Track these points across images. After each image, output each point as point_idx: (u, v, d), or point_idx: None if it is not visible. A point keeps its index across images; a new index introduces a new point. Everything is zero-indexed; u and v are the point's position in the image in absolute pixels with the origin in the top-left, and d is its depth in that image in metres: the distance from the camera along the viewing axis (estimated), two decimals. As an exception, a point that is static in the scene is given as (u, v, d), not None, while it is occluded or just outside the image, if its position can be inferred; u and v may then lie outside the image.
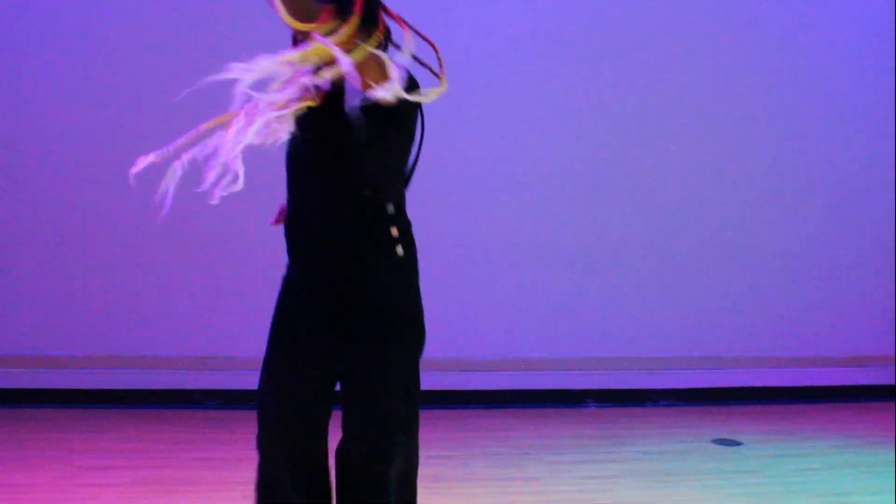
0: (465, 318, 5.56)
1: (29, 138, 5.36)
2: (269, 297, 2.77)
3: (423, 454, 4.89)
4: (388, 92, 2.43)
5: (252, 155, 2.44)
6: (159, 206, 2.37)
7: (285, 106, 2.42)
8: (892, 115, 5.94)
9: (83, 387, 5.39)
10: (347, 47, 2.44)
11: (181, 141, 2.44)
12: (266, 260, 3.23)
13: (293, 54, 2.44)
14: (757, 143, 5.87)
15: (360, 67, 2.45)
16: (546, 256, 5.69)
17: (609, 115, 5.70)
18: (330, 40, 2.40)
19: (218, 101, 2.44)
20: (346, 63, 2.39)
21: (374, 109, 2.51)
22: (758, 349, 5.88)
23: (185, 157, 2.42)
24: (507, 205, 5.65)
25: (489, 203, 5.63)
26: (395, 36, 2.62)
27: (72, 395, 5.37)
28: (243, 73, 2.37)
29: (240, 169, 2.40)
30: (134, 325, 5.38)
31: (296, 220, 2.70)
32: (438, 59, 2.66)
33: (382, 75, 2.48)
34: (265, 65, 2.40)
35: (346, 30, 2.44)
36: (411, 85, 2.60)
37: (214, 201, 2.40)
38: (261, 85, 2.43)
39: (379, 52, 2.50)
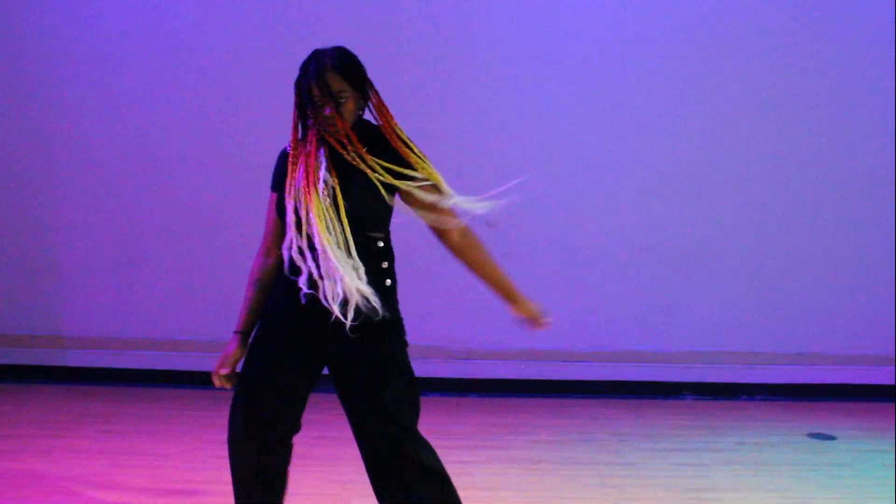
0: (569, 311, 5.64)
1: (166, 141, 5.72)
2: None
3: (527, 438, 5.15)
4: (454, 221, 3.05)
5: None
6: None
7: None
8: None
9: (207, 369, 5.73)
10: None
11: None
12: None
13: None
14: (866, 140, 5.73)
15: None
16: (646, 254, 5.75)
17: (708, 115, 5.70)
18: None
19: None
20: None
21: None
22: (856, 347, 5.80)
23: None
24: (608, 204, 5.73)
25: (590, 203, 5.72)
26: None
27: (199, 377, 5.72)
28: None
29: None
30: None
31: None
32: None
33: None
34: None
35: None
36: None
37: None
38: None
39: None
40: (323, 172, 2.96)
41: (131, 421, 5.14)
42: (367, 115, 3.12)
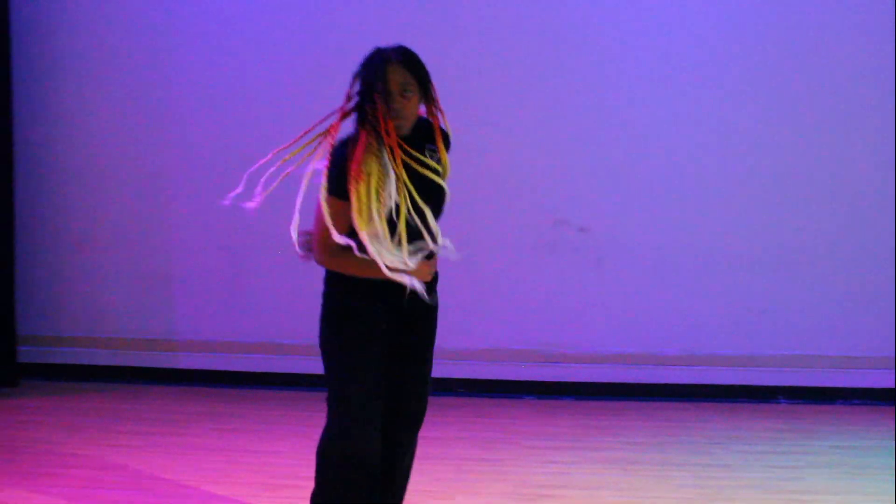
0: (661, 315, 5.74)
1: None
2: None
3: (621, 440, 5.22)
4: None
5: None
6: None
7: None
8: None
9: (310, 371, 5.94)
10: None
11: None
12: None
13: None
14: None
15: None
16: (739, 257, 5.77)
17: (805, 120, 5.72)
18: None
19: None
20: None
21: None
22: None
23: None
24: (699, 208, 5.77)
25: (681, 206, 5.77)
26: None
27: (305, 379, 5.89)
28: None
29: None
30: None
31: None
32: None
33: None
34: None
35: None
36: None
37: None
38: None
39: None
40: (386, 162, 3.08)
41: (240, 420, 5.39)
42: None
